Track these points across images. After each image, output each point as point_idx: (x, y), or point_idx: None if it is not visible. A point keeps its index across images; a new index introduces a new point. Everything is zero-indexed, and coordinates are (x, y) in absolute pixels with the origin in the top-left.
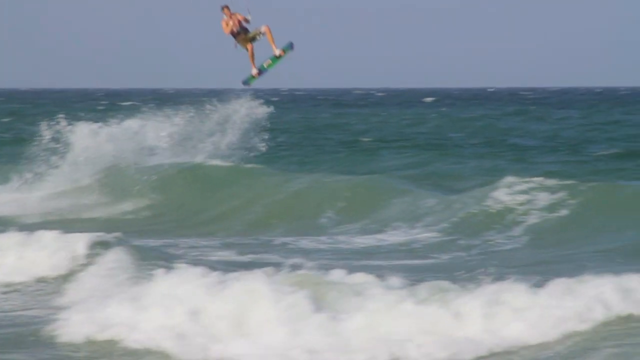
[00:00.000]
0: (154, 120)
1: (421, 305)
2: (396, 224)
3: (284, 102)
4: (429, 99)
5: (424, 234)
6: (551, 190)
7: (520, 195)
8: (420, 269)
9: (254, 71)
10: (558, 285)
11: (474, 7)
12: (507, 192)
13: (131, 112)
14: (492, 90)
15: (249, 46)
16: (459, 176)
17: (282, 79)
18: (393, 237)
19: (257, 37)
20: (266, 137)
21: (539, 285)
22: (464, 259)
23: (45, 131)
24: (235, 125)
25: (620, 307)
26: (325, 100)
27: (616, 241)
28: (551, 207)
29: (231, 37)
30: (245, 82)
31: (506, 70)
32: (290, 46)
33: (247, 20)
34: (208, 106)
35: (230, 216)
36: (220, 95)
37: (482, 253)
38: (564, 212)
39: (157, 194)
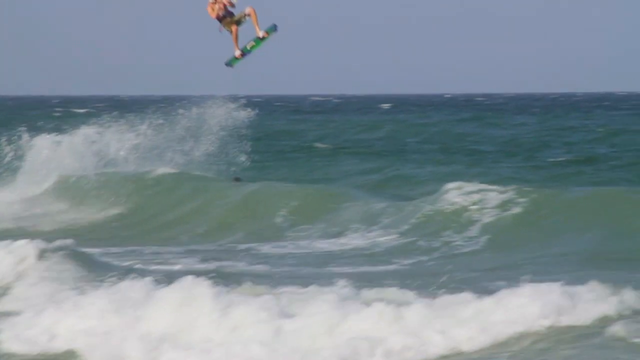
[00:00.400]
0: (116, 131)
1: (367, 312)
2: (355, 228)
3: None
4: (385, 105)
5: (383, 237)
6: (505, 194)
7: (476, 199)
8: (381, 275)
9: (237, 52)
10: (508, 291)
11: (430, 15)
12: (462, 197)
13: (94, 120)
14: (448, 96)
15: (233, 27)
16: (416, 181)
17: (240, 85)
18: (354, 240)
19: (243, 20)
20: (247, 147)
21: (488, 290)
22: (425, 264)
23: (6, 147)
24: (211, 133)
25: (569, 313)
26: (283, 107)
27: (568, 245)
28: (506, 212)
29: (216, 21)
30: (228, 64)
31: (462, 76)
32: (274, 28)
33: (232, 4)
34: (181, 111)
35: (187, 222)
36: (178, 101)
37: (442, 257)
38: (518, 216)
39: (114, 203)
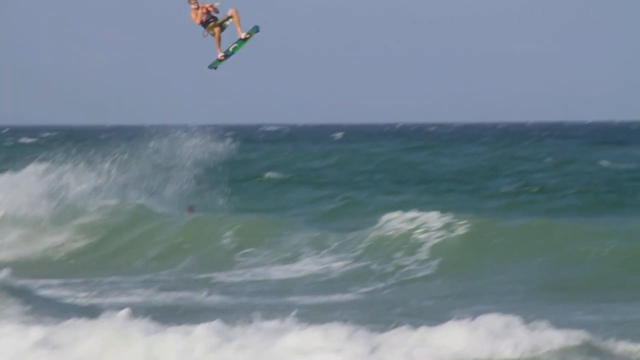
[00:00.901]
0: (75, 170)
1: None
2: (307, 254)
3: (175, 138)
4: (338, 135)
5: (336, 263)
6: (450, 222)
7: (421, 227)
8: (337, 305)
9: (220, 55)
10: (450, 325)
11: (381, 45)
12: (408, 224)
13: (50, 154)
14: (400, 126)
15: (216, 30)
16: (366, 210)
17: (192, 114)
18: (307, 266)
19: (226, 23)
20: (201, 177)
21: (431, 323)
22: (380, 292)
23: None
24: (182, 169)
25: (509, 344)
26: (234, 136)
27: (513, 274)
28: (451, 239)
29: (201, 26)
30: (211, 66)
31: (413, 106)
32: (256, 29)
33: (215, 10)
34: (152, 144)
35: (138, 250)
36: (130, 130)
37: (396, 284)
38: (462, 243)
39: (66, 234)
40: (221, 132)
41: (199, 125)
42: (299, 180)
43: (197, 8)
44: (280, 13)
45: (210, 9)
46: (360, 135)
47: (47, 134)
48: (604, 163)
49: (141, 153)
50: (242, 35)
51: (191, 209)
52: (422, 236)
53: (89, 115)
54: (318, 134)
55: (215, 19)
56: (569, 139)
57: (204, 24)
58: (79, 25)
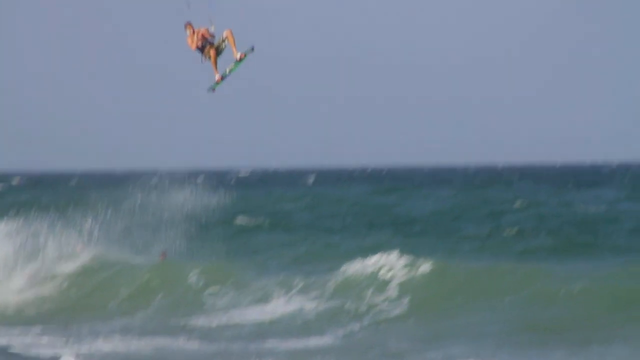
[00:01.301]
0: (53, 233)
1: None
2: (280, 296)
3: (147, 184)
4: (310, 178)
5: (309, 304)
6: (422, 264)
7: (390, 269)
8: (316, 350)
9: (217, 77)
10: None
11: (351, 94)
12: (378, 267)
13: (27, 213)
14: (370, 170)
15: (212, 52)
16: (336, 252)
17: (162, 158)
18: (281, 308)
19: (222, 46)
20: (174, 223)
21: None
22: (356, 335)
23: None
24: (155, 215)
25: None
26: (205, 180)
27: (481, 316)
28: (423, 281)
29: (198, 52)
30: (210, 89)
31: (384, 150)
32: (251, 49)
33: (211, 35)
34: (140, 195)
35: (109, 297)
36: (100, 176)
37: (371, 324)
38: (436, 285)
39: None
40: (192, 177)
41: (169, 171)
42: (270, 224)
43: (193, 33)
44: (250, 55)
45: (205, 34)
46: (332, 179)
47: (17, 178)
48: (575, 205)
49: (118, 205)
50: (238, 56)
51: (164, 255)
52: (391, 277)
53: (59, 160)
54: (290, 179)
55: (211, 43)
56: (540, 181)
57: (201, 49)
58: (41, 67)
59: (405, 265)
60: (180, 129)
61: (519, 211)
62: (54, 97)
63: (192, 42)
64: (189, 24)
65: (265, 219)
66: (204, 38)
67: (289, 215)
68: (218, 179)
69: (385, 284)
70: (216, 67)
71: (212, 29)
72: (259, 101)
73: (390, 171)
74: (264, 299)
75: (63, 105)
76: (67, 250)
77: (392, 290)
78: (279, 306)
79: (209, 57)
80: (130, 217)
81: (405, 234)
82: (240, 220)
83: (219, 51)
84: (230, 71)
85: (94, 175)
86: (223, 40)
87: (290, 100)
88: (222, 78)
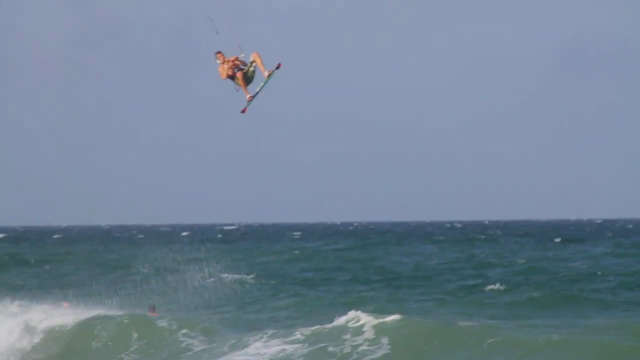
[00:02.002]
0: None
1: None
2: (266, 350)
3: (133, 240)
4: (296, 234)
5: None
6: (406, 323)
7: (376, 327)
8: None
9: (248, 96)
10: None
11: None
12: (357, 324)
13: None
14: (353, 227)
15: (239, 74)
16: (320, 305)
17: (146, 213)
18: (267, 349)
19: (251, 71)
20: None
21: None
22: None
23: None
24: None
25: None
26: (192, 236)
27: None
28: (410, 339)
29: (229, 80)
30: (243, 109)
31: (370, 205)
32: (277, 67)
33: (243, 62)
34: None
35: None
36: (89, 231)
37: None
38: (424, 343)
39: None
40: (177, 231)
41: (153, 225)
42: (257, 278)
43: (224, 62)
44: (227, 115)
45: (236, 62)
46: (317, 234)
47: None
48: (560, 260)
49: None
50: (266, 74)
51: (152, 309)
52: (376, 334)
53: (43, 216)
54: (276, 233)
55: (241, 69)
56: (526, 236)
57: (231, 77)
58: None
59: (374, 326)
60: (165, 184)
61: (505, 266)
62: (39, 151)
63: (223, 71)
64: (219, 53)
65: (251, 273)
66: (234, 65)
67: (275, 269)
68: (203, 234)
69: (371, 341)
70: (246, 89)
71: (241, 56)
72: (244, 158)
73: (378, 226)
74: (251, 353)
75: (48, 159)
76: (53, 307)
77: (380, 348)
78: (267, 347)
79: (237, 83)
80: (115, 271)
81: (390, 289)
82: (226, 275)
83: (248, 77)
84: (261, 88)
85: (82, 230)
86: (252, 64)
87: (278, 158)
88: (252, 97)
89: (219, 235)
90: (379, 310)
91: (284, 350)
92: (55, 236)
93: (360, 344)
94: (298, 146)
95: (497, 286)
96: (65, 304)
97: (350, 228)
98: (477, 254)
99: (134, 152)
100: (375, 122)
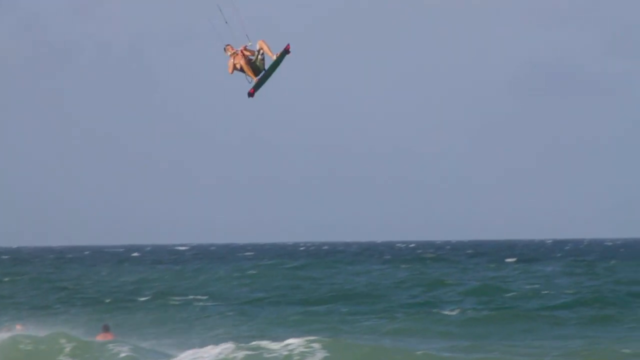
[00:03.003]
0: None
1: None
2: None
3: (85, 259)
4: (249, 254)
5: None
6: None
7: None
8: None
9: (255, 79)
10: None
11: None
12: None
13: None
14: (303, 248)
15: (242, 61)
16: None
17: (99, 235)
18: None
19: (259, 59)
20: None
21: None
22: None
23: None
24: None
25: None
26: (142, 257)
27: None
28: None
29: (240, 72)
30: (250, 94)
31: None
32: (285, 48)
33: (251, 52)
34: None
35: None
36: (74, 252)
37: None
38: None
39: None
40: (129, 252)
41: (105, 245)
42: (201, 300)
43: (233, 55)
44: (179, 135)
45: (245, 51)
46: (270, 254)
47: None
48: (512, 279)
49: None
50: (274, 57)
51: (106, 328)
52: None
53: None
54: (228, 254)
55: (250, 59)
56: (479, 255)
57: (240, 70)
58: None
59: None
60: (123, 205)
61: (456, 284)
62: (35, 175)
63: (231, 65)
64: (229, 46)
65: (197, 294)
66: (245, 56)
67: (221, 289)
68: (155, 254)
69: None
70: (251, 71)
71: (249, 45)
72: (197, 178)
73: (332, 246)
74: None
75: (42, 181)
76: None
77: None
78: None
79: (249, 74)
80: (64, 291)
81: (343, 308)
82: (173, 298)
83: (257, 67)
84: (270, 68)
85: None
86: (259, 51)
87: (230, 179)
88: (260, 78)
89: (172, 256)
90: (325, 330)
91: None
92: (4, 257)
93: None
94: (251, 167)
95: (450, 307)
96: (18, 326)
97: (302, 248)
98: (429, 273)
99: (87, 173)
100: (327, 145)
